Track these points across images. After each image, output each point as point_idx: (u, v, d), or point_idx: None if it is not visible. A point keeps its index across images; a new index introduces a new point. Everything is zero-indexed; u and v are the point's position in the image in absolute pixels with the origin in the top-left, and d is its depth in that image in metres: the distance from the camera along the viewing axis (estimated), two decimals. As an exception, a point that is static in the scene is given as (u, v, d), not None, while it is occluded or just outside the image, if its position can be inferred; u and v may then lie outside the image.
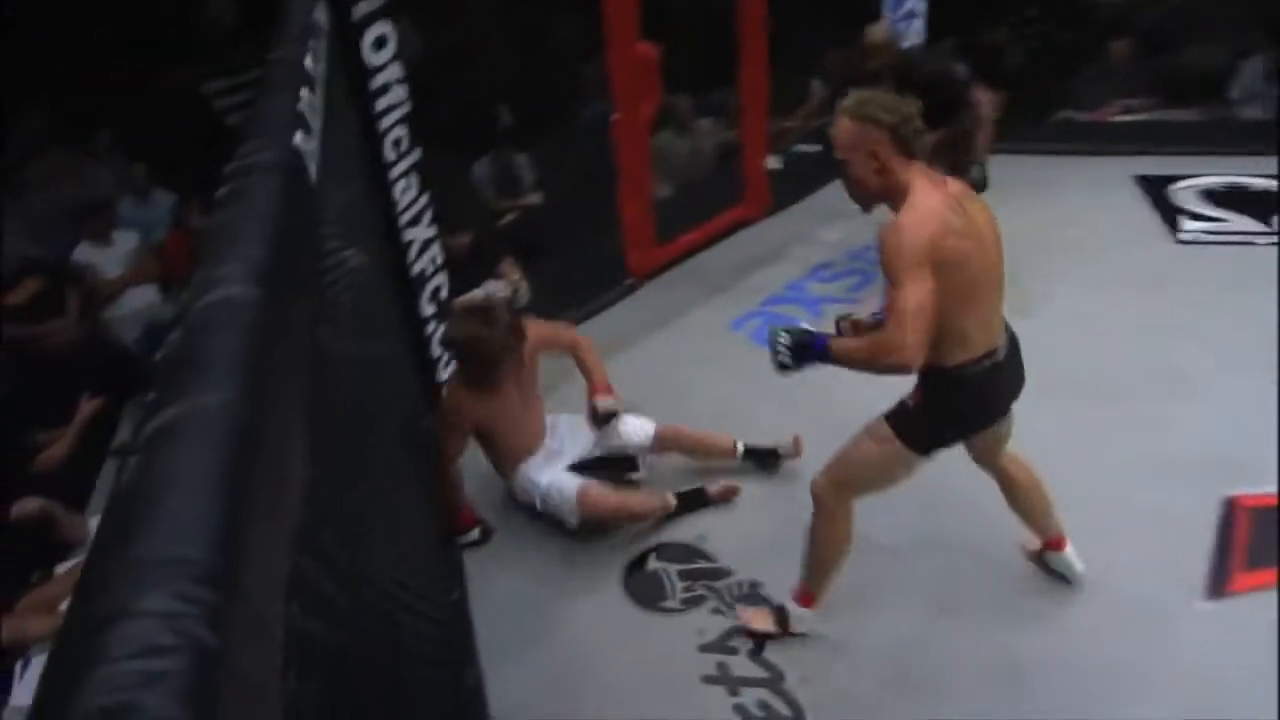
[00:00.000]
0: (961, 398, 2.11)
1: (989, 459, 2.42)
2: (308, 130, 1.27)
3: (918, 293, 1.90)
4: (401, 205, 3.39)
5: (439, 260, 3.59)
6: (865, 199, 2.02)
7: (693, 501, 3.06)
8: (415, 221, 3.47)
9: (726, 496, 3.09)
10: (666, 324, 3.47)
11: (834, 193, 5.14)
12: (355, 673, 1.10)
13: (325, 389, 1.38)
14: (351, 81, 2.94)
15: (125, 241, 5.02)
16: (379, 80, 3.07)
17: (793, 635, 2.56)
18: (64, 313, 4.65)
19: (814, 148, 5.90)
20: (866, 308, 2.86)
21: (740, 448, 3.17)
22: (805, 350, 2.14)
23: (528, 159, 5.50)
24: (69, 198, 5.45)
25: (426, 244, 3.54)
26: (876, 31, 4.04)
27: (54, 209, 5.46)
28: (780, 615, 2.57)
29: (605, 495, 2.99)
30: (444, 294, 3.60)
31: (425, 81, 3.74)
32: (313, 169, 1.22)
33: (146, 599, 0.46)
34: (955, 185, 2.02)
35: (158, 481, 0.55)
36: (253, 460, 0.62)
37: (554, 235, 4.76)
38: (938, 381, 2.09)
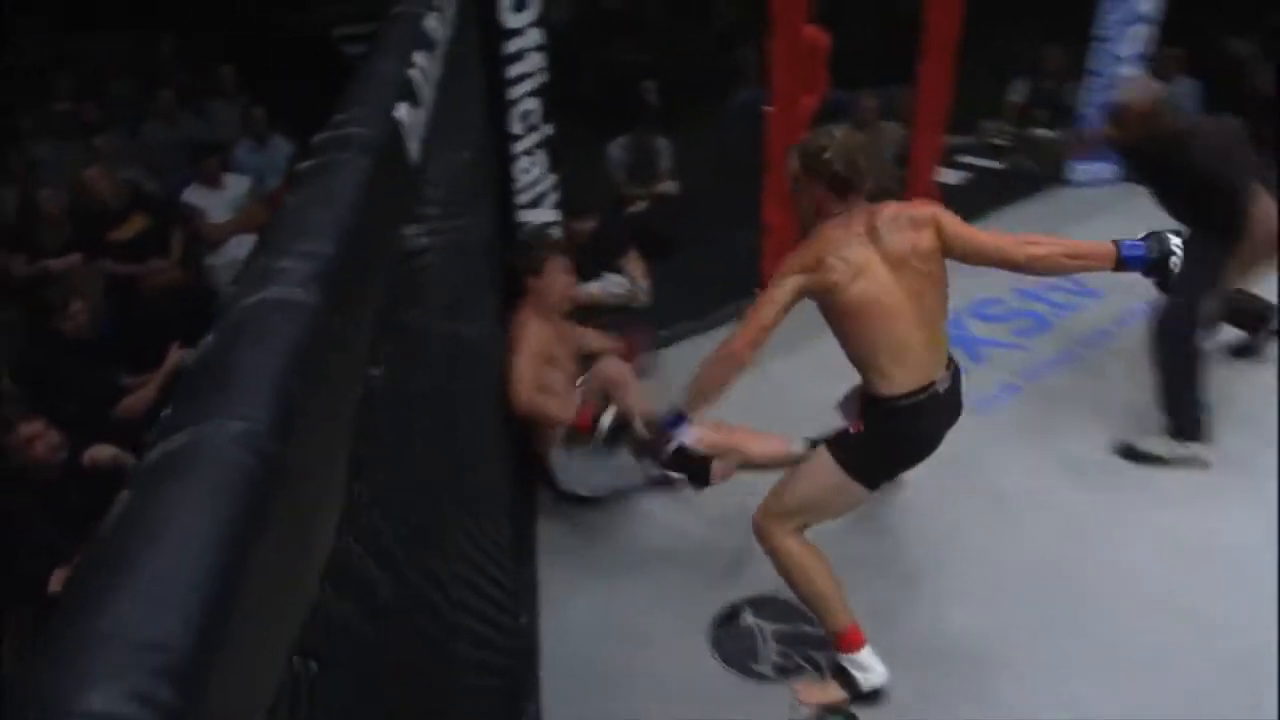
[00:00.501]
0: (890, 430, 2.27)
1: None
2: (415, 101, 1.23)
3: (766, 298, 2.19)
4: (521, 185, 3.40)
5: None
6: (806, 230, 2.29)
7: None
8: (535, 204, 3.47)
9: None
10: (799, 344, 3.35)
11: (1016, 216, 5.14)
12: (391, 702, 1.05)
13: (400, 382, 1.35)
14: (483, 44, 2.95)
15: (236, 186, 5.23)
16: (514, 45, 3.08)
17: (869, 695, 2.44)
18: (167, 254, 4.91)
19: (996, 164, 5.65)
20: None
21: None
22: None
23: (668, 143, 5.45)
24: (188, 135, 5.76)
25: (544, 229, 3.54)
26: (1135, 93, 3.17)
27: (173, 144, 5.78)
28: (842, 676, 2.47)
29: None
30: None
31: (566, 48, 3.74)
32: (414, 145, 1.18)
33: (91, 695, 0.40)
34: (888, 212, 2.22)
35: (143, 532, 0.50)
36: (267, 518, 0.56)
37: (686, 231, 4.70)
38: (871, 412, 2.29)
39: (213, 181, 5.15)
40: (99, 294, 4.41)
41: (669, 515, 3.19)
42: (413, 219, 1.56)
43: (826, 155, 2.19)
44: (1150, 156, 3.08)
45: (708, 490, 2.83)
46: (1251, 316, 3.64)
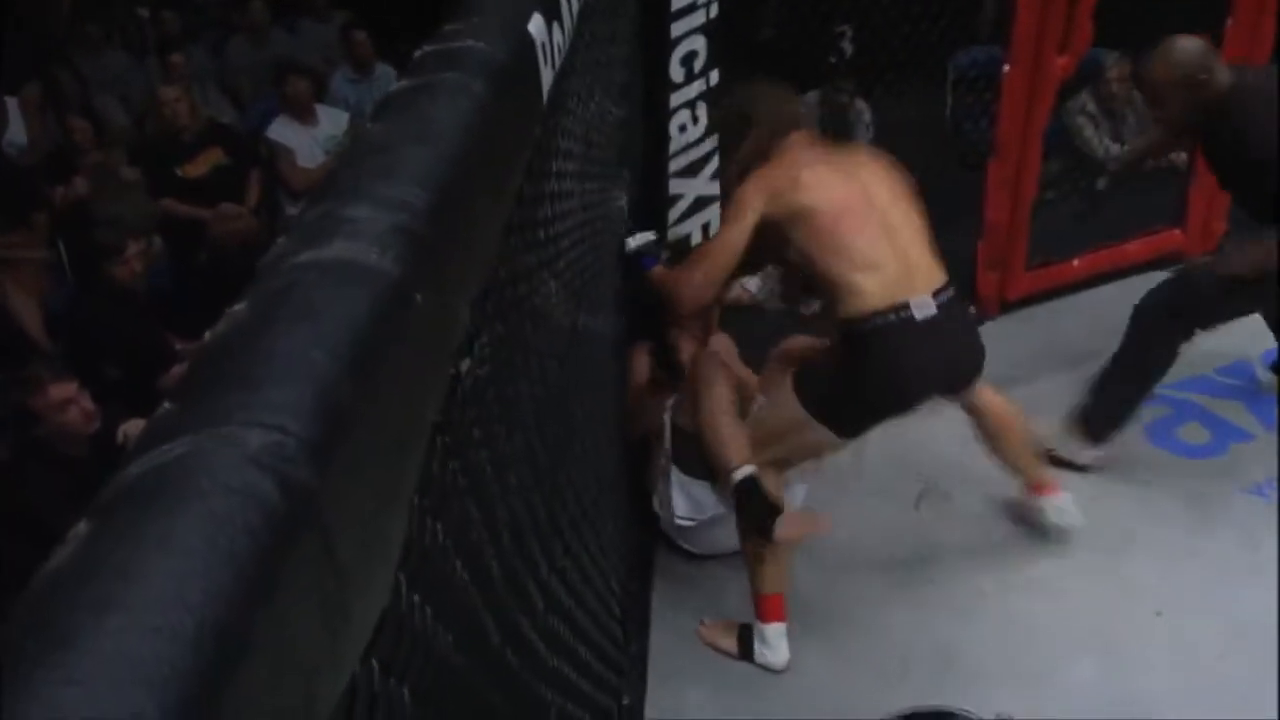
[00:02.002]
0: (871, 361, 2.46)
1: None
2: (556, 16, 1.16)
3: (723, 234, 2.59)
4: (677, 146, 3.34)
5: (715, 227, 3.51)
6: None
7: None
8: (692, 170, 3.41)
9: None
10: (1008, 386, 3.20)
11: None
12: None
13: (502, 390, 1.29)
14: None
15: (333, 122, 5.34)
16: (686, -35, 3.02)
17: (760, 666, 2.79)
18: (242, 198, 5.08)
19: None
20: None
21: None
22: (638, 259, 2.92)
23: (868, 108, 5.30)
24: (278, 55, 5.96)
25: (700, 204, 3.47)
26: (1159, 62, 3.08)
27: (258, 70, 5.99)
28: (744, 637, 2.85)
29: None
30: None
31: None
32: (549, 75, 1.10)
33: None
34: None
35: (98, 593, 0.42)
36: (287, 575, 0.48)
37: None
38: (844, 345, 2.50)
39: (304, 114, 5.26)
40: (157, 239, 4.59)
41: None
42: (540, 172, 1.51)
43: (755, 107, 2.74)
44: (1200, 134, 3.12)
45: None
46: None
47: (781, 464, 2.74)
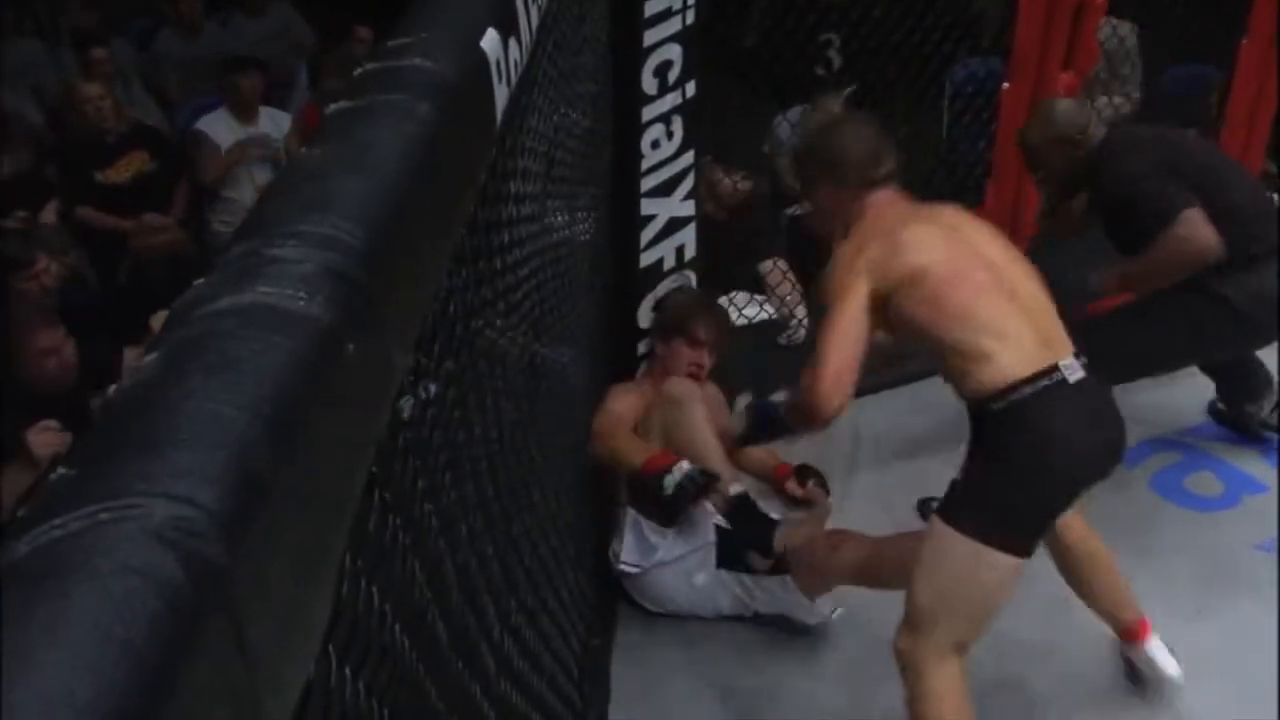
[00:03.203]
0: (1015, 443, 2.21)
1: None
2: (513, 30, 1.16)
3: (837, 328, 2.31)
4: (650, 163, 3.35)
5: (689, 251, 3.53)
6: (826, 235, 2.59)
7: None
8: (666, 190, 3.42)
9: None
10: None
11: None
12: None
13: (447, 442, 1.28)
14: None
15: (274, 124, 5.28)
16: (660, -31, 3.04)
17: None
18: (169, 207, 5.04)
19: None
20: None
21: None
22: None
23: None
24: (213, 52, 5.92)
25: (674, 226, 3.48)
26: (1036, 123, 3.41)
27: (189, 66, 5.96)
28: None
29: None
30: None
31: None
32: (503, 93, 1.10)
33: None
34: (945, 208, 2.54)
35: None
36: (193, 668, 0.47)
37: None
38: (989, 430, 2.25)
39: (247, 113, 5.21)
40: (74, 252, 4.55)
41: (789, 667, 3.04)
42: (496, 197, 1.50)
43: (831, 153, 2.54)
44: (1084, 189, 3.32)
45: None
46: (1242, 383, 3.68)
47: (960, 640, 2.34)
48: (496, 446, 1.67)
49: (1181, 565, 3.19)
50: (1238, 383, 3.70)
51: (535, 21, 1.31)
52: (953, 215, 2.49)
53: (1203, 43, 4.83)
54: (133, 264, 4.84)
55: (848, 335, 2.31)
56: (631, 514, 3.12)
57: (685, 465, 2.96)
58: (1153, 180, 3.06)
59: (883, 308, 2.33)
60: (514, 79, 1.16)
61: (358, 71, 0.93)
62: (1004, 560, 2.20)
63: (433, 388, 1.19)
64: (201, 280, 0.66)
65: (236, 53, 5.62)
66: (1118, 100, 5.01)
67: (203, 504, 0.51)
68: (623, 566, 3.12)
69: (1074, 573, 2.69)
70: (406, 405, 1.12)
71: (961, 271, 2.30)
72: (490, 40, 1.06)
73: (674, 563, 3.10)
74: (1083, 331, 2.98)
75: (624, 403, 3.24)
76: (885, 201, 2.47)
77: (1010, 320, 2.26)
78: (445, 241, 0.91)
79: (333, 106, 0.87)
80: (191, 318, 0.62)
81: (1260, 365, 3.63)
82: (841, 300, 2.33)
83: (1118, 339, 3.16)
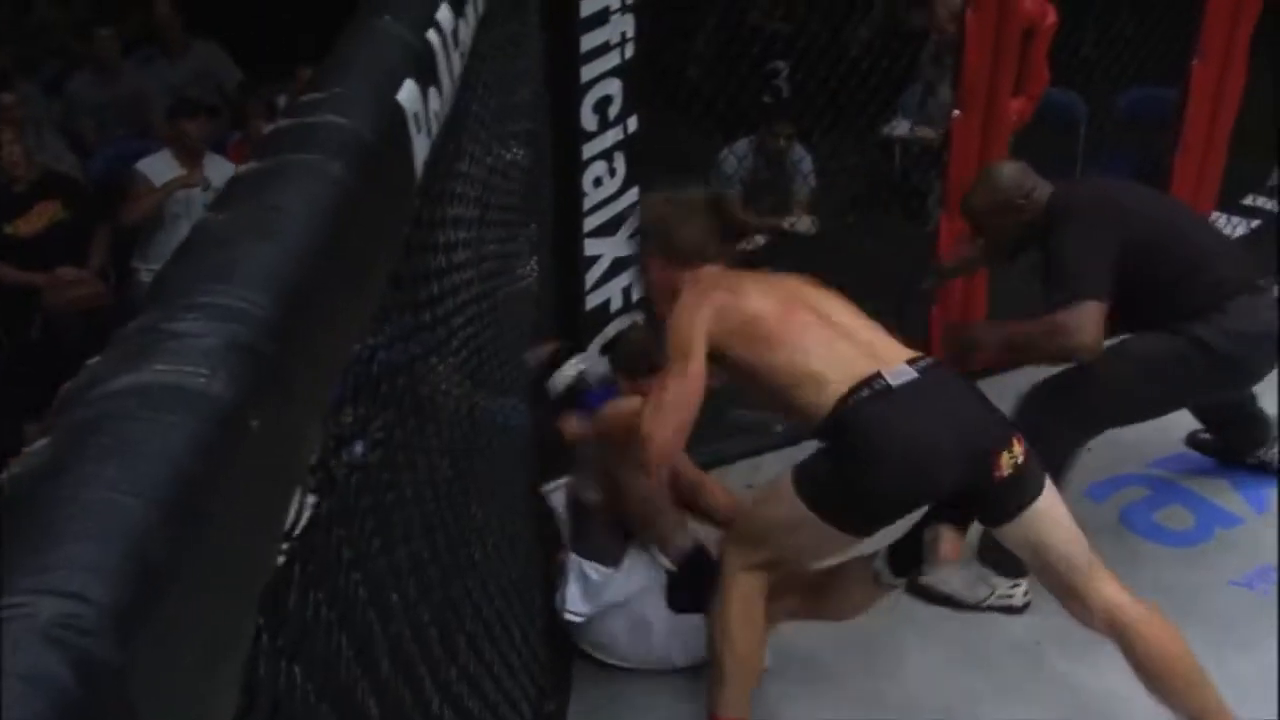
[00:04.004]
0: (859, 441, 2.50)
1: (1069, 588, 2.65)
2: (431, 79, 1.17)
3: (678, 374, 2.62)
4: (592, 202, 3.37)
5: (636, 291, 3.56)
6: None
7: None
8: (610, 229, 3.45)
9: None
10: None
11: None
12: None
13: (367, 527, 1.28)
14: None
15: (218, 173, 5.16)
16: (595, 2, 3.07)
17: None
18: (84, 259, 4.99)
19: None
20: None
21: None
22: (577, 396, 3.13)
23: (810, 156, 5.39)
24: (132, 92, 5.88)
25: (619, 266, 3.51)
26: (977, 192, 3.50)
27: (106, 110, 5.92)
28: None
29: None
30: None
31: (666, 10, 3.72)
32: (424, 145, 1.11)
33: None
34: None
35: None
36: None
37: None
38: (827, 439, 2.57)
39: (191, 158, 5.13)
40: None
41: None
42: (424, 247, 1.51)
43: (665, 229, 2.96)
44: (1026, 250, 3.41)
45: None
46: (1247, 434, 3.76)
47: (772, 566, 2.75)
48: (432, 505, 1.67)
49: (1157, 604, 3.21)
50: (1243, 433, 3.76)
51: (458, 67, 1.32)
52: (775, 276, 2.92)
53: (1159, 64, 4.94)
54: (45, 321, 4.78)
55: (688, 388, 2.63)
56: (574, 558, 3.13)
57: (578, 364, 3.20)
58: (1082, 257, 3.11)
59: (720, 357, 2.67)
60: (435, 129, 1.17)
61: (267, 129, 0.94)
62: (828, 530, 2.55)
63: (358, 450, 1.19)
64: (96, 359, 0.66)
65: (151, 94, 5.61)
66: None
67: (94, 599, 0.51)
68: (568, 616, 3.12)
69: (1139, 666, 2.62)
70: (331, 470, 1.12)
71: (787, 313, 2.66)
72: (408, 92, 1.07)
73: (624, 605, 3.11)
74: (1069, 379, 3.14)
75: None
76: (712, 273, 2.87)
77: (834, 343, 2.61)
78: (361, 305, 0.92)
79: (240, 168, 0.88)
80: (85, 399, 0.62)
81: (1260, 411, 3.69)
82: (681, 353, 2.64)
83: (1105, 385, 3.19)
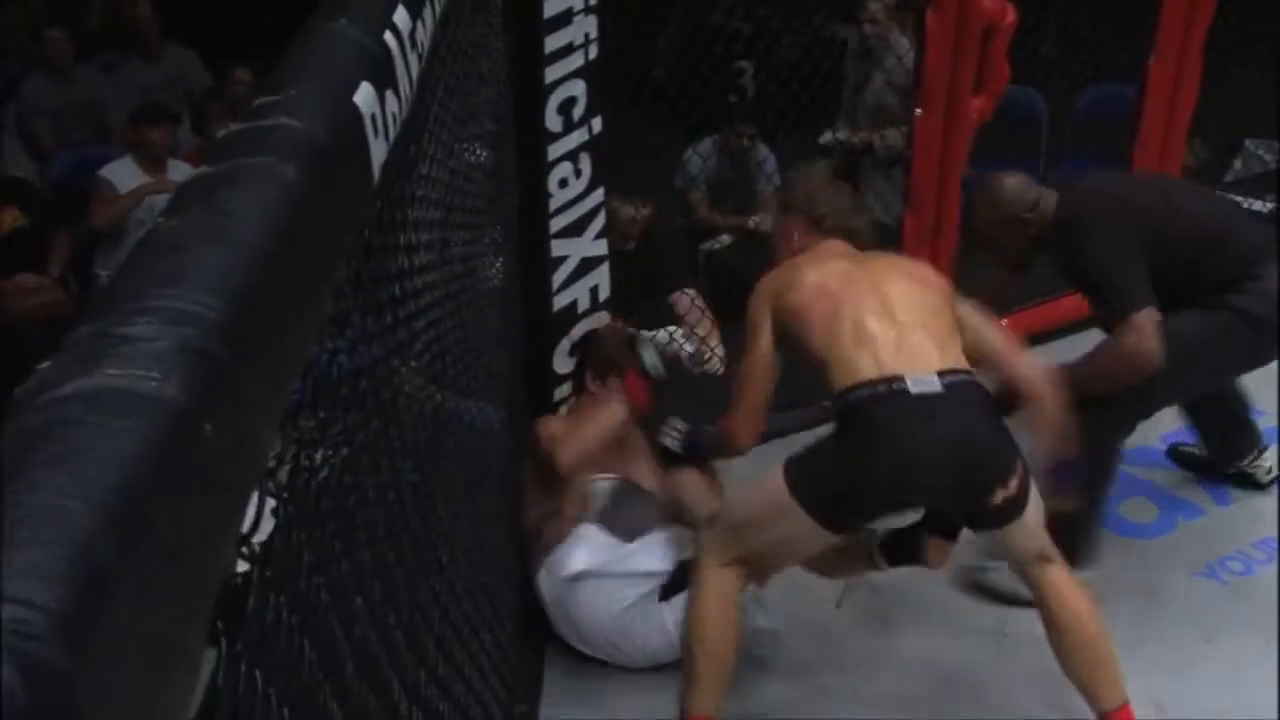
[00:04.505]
0: (859, 434, 2.58)
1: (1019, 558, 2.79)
2: (390, 82, 1.17)
3: (747, 360, 2.87)
4: (558, 203, 3.37)
5: (604, 291, 3.55)
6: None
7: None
8: (576, 229, 3.44)
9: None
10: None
11: None
12: None
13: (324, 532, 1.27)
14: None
15: (182, 176, 5.15)
16: (557, 4, 3.07)
17: None
18: (44, 266, 4.94)
19: (1252, 201, 5.54)
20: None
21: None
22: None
23: (774, 156, 5.39)
24: (90, 98, 5.81)
25: (587, 266, 3.51)
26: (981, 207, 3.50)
27: (62, 114, 5.85)
28: None
29: None
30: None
31: (630, 11, 3.72)
32: (381, 148, 1.11)
33: None
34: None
35: None
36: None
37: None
38: (835, 421, 2.66)
39: (155, 166, 5.10)
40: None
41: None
42: (385, 249, 1.50)
43: (813, 197, 3.07)
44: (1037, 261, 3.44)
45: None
46: (1226, 435, 3.75)
47: (748, 562, 2.80)
48: (396, 509, 1.67)
49: (1121, 596, 3.24)
50: (1228, 443, 3.75)
51: (416, 70, 1.31)
52: (881, 258, 2.97)
53: (1117, 61, 4.98)
54: (4, 328, 4.73)
55: (755, 373, 2.83)
56: (592, 528, 3.16)
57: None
58: (1114, 268, 3.09)
59: (782, 331, 2.78)
60: (392, 132, 1.17)
61: (222, 134, 0.94)
62: (806, 521, 2.60)
63: (319, 454, 1.19)
64: (46, 364, 0.66)
65: (109, 97, 5.55)
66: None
67: (41, 605, 0.51)
68: (561, 575, 3.13)
69: (1053, 635, 2.78)
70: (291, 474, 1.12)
71: (839, 291, 2.72)
72: (364, 95, 1.07)
73: (611, 579, 3.11)
74: None
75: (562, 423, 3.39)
76: (828, 248, 2.95)
77: (873, 331, 2.64)
78: (317, 308, 0.92)
79: (193, 172, 0.87)
80: (35, 404, 0.62)
81: (1249, 419, 3.69)
82: (750, 339, 2.84)
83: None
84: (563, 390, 3.58)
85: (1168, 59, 4.31)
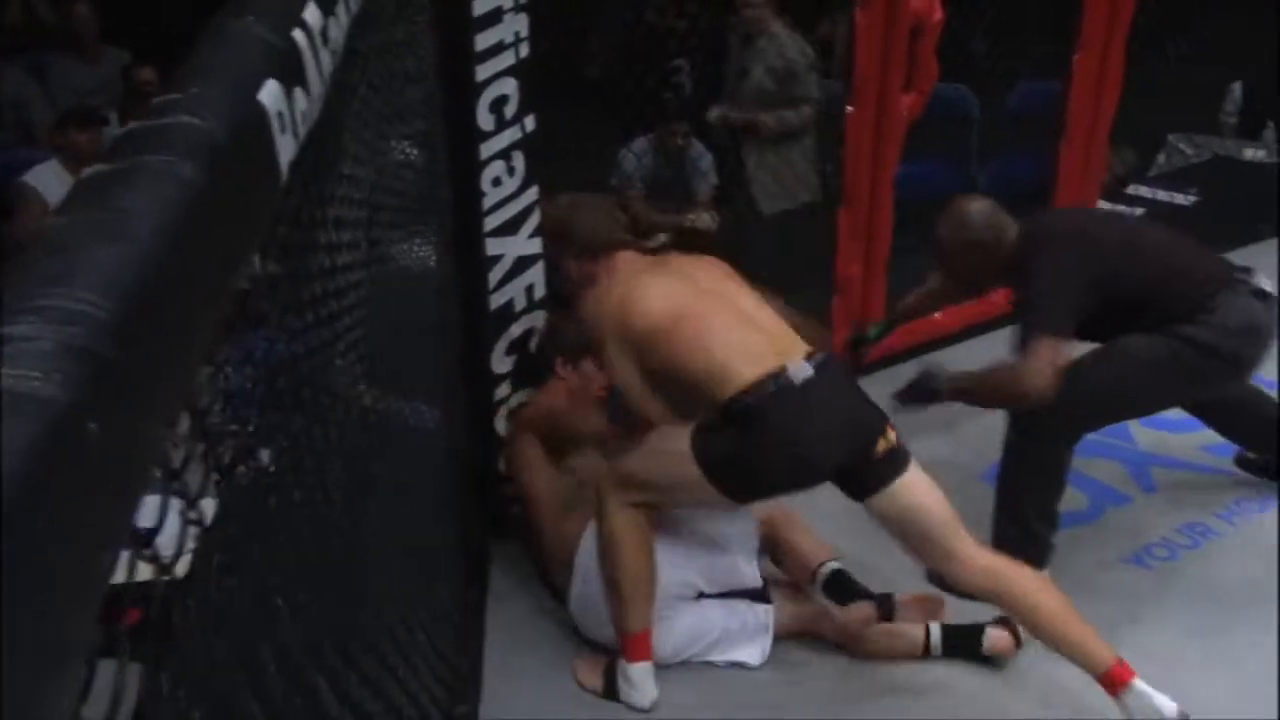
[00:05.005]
0: (761, 434, 2.72)
1: (946, 551, 2.84)
2: (299, 80, 1.15)
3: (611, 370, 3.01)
4: (492, 201, 3.36)
5: (539, 290, 3.55)
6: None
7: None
8: (511, 228, 3.43)
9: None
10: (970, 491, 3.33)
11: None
12: None
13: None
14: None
15: None
16: (487, 2, 3.06)
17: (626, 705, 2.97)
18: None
19: (1186, 198, 5.62)
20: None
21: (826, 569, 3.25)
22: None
23: (711, 155, 5.41)
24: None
25: (522, 265, 3.50)
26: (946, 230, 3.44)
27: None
28: (608, 673, 3.04)
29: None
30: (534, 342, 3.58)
31: (561, 8, 3.71)
32: (288, 145, 1.10)
33: None
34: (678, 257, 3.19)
35: None
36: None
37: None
38: (732, 423, 2.75)
39: (80, 167, 4.96)
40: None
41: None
42: (304, 248, 1.49)
43: (570, 227, 3.19)
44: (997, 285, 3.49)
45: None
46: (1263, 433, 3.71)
47: (653, 507, 2.96)
48: (322, 510, 1.65)
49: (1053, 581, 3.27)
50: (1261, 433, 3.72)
51: (329, 67, 1.30)
52: (688, 263, 3.09)
53: (1048, 58, 5.04)
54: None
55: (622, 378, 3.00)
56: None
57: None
58: (1051, 292, 3.11)
59: (640, 357, 2.89)
60: (302, 130, 1.15)
61: (119, 133, 0.92)
62: (717, 495, 2.81)
63: (228, 453, 1.18)
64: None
65: (33, 98, 5.44)
66: (788, 115, 5.48)
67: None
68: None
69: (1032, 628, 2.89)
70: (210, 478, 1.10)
71: (689, 310, 2.85)
72: (270, 92, 1.06)
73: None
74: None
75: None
76: (626, 261, 3.08)
77: (739, 338, 2.80)
78: (217, 307, 0.90)
79: (87, 171, 0.86)
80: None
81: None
82: (603, 355, 3.02)
83: (1099, 385, 3.22)
84: (502, 390, 3.56)
85: (1091, 55, 4.36)
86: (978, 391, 3.34)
